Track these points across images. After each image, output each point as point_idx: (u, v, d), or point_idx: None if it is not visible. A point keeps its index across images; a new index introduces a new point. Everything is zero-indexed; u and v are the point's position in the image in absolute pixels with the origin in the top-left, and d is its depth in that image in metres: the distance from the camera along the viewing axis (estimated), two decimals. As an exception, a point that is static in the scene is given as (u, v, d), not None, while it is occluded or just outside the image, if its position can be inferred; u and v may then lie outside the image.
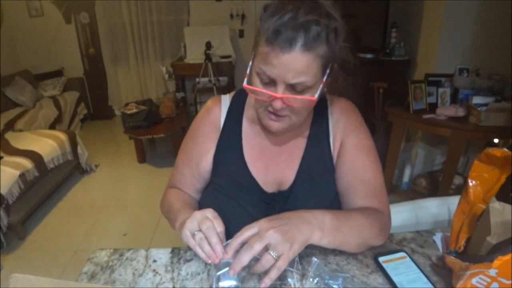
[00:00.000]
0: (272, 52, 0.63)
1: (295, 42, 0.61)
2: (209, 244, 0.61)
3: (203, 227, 0.62)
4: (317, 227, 0.64)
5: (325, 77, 0.68)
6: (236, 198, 0.79)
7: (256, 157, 0.82)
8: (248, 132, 0.84)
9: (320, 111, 0.83)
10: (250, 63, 0.72)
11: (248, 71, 0.72)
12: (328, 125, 0.82)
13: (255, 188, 0.80)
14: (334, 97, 0.86)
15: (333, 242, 0.67)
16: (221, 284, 0.66)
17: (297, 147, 0.82)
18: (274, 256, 0.57)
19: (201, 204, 0.88)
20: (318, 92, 0.68)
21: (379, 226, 0.73)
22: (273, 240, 0.58)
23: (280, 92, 0.66)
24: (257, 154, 0.83)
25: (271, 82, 0.67)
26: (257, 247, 0.57)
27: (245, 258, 0.57)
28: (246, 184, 0.80)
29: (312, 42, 0.62)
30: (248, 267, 0.61)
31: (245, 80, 0.70)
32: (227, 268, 0.66)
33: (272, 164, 0.82)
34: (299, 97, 0.66)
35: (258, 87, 0.68)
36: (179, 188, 0.91)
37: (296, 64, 0.62)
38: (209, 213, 0.65)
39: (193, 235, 0.63)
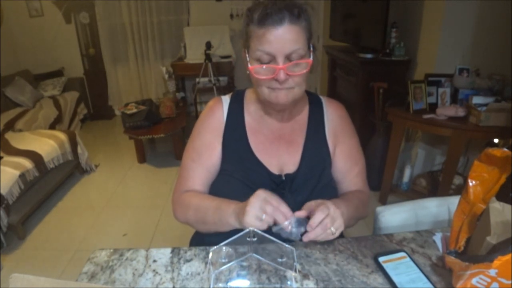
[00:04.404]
0: (267, 31, 0.75)
1: (283, 19, 0.74)
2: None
3: (268, 209, 0.70)
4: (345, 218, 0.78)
5: (311, 48, 0.80)
6: (245, 181, 0.86)
7: (259, 142, 0.92)
8: (250, 122, 0.94)
9: (315, 107, 0.97)
10: (246, 55, 0.83)
11: (248, 59, 0.82)
12: (324, 119, 0.96)
13: (262, 170, 0.89)
14: (328, 98, 1.01)
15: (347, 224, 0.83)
16: (233, 284, 0.66)
17: (297, 135, 0.94)
18: (333, 232, 0.71)
19: (213, 189, 0.93)
20: (311, 56, 0.80)
21: (365, 204, 0.96)
22: (337, 224, 0.72)
23: (280, 64, 0.76)
24: (260, 140, 0.92)
25: (270, 61, 0.78)
26: (329, 225, 0.71)
27: (319, 231, 0.70)
28: (253, 166, 0.89)
29: (296, 18, 0.76)
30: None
31: (248, 64, 0.81)
32: (225, 266, 0.67)
33: (274, 149, 0.92)
34: (298, 61, 0.77)
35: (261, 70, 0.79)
36: (192, 190, 0.92)
37: (288, 35, 0.75)
38: (265, 194, 0.72)
39: (260, 220, 0.70)
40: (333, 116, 0.96)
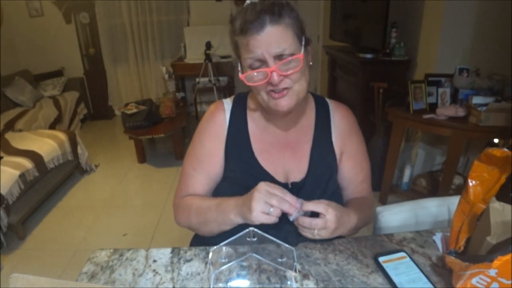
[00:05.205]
0: (250, 38, 0.73)
1: (264, 23, 0.72)
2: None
3: (274, 202, 0.69)
4: (348, 229, 0.79)
5: (303, 44, 0.77)
6: (250, 189, 0.80)
7: (264, 150, 0.89)
8: (254, 128, 0.90)
9: (322, 112, 0.93)
10: (239, 64, 0.81)
11: (239, 69, 0.81)
12: (330, 124, 0.92)
13: (267, 178, 0.85)
14: (335, 102, 0.97)
15: (349, 233, 0.83)
16: (233, 284, 0.67)
17: (303, 141, 0.90)
18: (315, 234, 0.72)
19: (217, 195, 0.91)
20: (302, 48, 0.76)
21: (371, 210, 0.95)
22: (323, 233, 0.72)
23: (271, 65, 0.73)
24: (264, 147, 0.89)
25: (261, 66, 0.75)
26: (319, 210, 0.71)
27: (310, 207, 0.72)
28: (258, 175, 0.85)
29: (278, 17, 0.73)
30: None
31: (239, 73, 0.79)
32: (225, 266, 0.67)
33: (279, 156, 0.89)
34: (289, 58, 0.74)
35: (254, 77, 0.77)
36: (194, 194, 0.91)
37: (273, 36, 0.73)
38: (268, 187, 0.71)
39: (268, 214, 0.70)
40: (341, 122, 0.93)
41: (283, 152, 0.89)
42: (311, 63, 0.81)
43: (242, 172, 0.87)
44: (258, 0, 0.75)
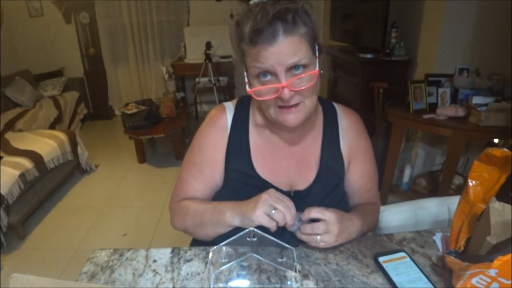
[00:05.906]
0: (261, 49, 0.67)
1: (277, 33, 0.66)
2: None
3: (280, 207, 0.70)
4: (353, 234, 0.78)
5: (317, 53, 0.73)
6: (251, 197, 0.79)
7: (265, 161, 0.85)
8: (255, 137, 0.86)
9: (330, 119, 0.90)
10: (245, 73, 0.76)
11: (246, 80, 0.76)
12: (338, 131, 0.89)
13: (268, 188, 0.81)
14: (343, 107, 0.93)
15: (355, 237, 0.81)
16: (233, 284, 0.67)
17: (311, 152, 0.87)
18: (318, 240, 0.71)
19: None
20: (317, 65, 0.72)
21: (377, 216, 0.94)
22: (327, 238, 0.72)
23: (283, 80, 0.69)
24: (266, 158, 0.85)
25: (271, 78, 0.71)
26: (315, 215, 0.71)
27: (306, 215, 0.72)
28: (259, 185, 0.82)
29: (292, 26, 0.67)
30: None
31: (247, 86, 0.74)
32: (225, 266, 0.67)
33: (283, 167, 0.85)
34: (302, 75, 0.69)
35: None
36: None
37: (286, 48, 0.67)
38: (277, 194, 0.72)
39: (269, 215, 0.70)
40: (349, 129, 0.89)
41: (287, 163, 0.86)
42: (321, 71, 0.75)
43: (242, 183, 0.84)
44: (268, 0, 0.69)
